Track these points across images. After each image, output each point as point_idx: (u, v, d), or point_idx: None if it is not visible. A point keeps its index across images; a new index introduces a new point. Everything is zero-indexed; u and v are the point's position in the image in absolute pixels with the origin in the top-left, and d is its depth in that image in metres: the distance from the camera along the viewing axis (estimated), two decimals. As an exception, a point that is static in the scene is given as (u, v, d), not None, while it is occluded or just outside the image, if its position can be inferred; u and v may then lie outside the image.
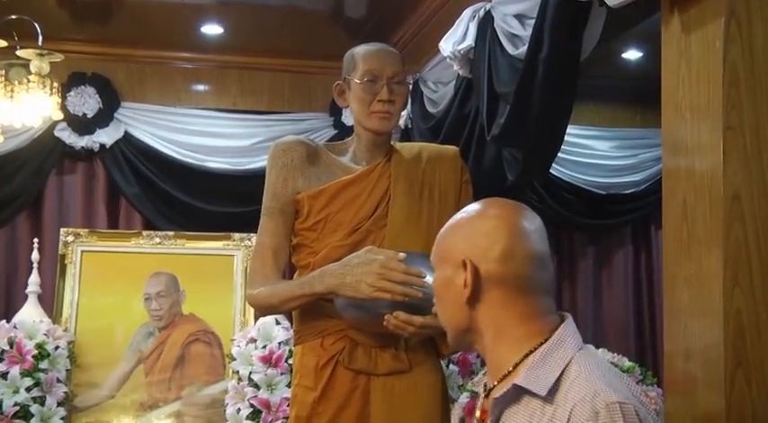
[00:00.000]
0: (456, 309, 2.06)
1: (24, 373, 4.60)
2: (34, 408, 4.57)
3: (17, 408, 4.53)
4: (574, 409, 1.85)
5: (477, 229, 2.07)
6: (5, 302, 6.03)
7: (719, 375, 2.59)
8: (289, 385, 4.20)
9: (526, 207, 2.12)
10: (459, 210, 3.19)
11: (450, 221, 2.17)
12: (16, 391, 4.56)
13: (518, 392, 1.93)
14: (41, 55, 5.20)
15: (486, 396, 2.09)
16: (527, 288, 2.01)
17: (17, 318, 4.83)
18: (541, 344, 1.96)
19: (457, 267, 2.01)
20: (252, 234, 3.33)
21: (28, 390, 4.58)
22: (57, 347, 4.70)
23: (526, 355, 1.96)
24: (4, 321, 4.82)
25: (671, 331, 2.88)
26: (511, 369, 1.97)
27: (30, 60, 5.19)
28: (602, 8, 3.30)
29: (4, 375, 4.59)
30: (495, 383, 2.02)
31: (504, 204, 2.13)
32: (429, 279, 2.88)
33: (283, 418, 4.40)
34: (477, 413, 2.12)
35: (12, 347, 4.61)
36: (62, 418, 4.66)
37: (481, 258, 1.99)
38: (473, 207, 2.16)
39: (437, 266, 2.15)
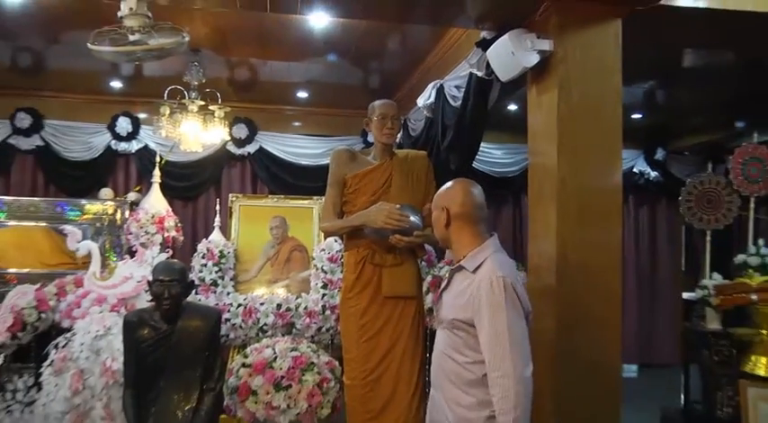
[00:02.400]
0: (442, 230, 2.22)
1: (213, 264, 4.66)
2: (219, 281, 4.65)
3: (212, 281, 4.62)
4: (482, 278, 2.04)
5: (449, 192, 2.23)
6: (205, 231, 6.19)
7: (553, 265, 2.62)
8: (341, 272, 4.22)
9: (473, 181, 2.27)
10: (428, 185, 3.25)
11: (440, 190, 2.29)
12: (210, 273, 4.63)
13: (461, 268, 2.15)
14: (220, 108, 5.33)
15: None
16: (472, 220, 2.18)
17: (210, 237, 4.87)
18: (478, 245, 2.15)
19: (441, 210, 2.20)
20: (322, 196, 3.35)
21: (216, 273, 4.65)
22: (228, 252, 4.76)
23: (470, 250, 2.14)
24: (204, 239, 4.87)
25: (532, 246, 2.94)
26: (462, 258, 2.16)
27: (214, 111, 5.28)
28: (498, 82, 3.33)
29: (205, 265, 4.65)
30: (455, 264, 2.19)
31: (463, 180, 2.28)
32: (412, 218, 2.93)
33: (338, 287, 4.43)
34: (448, 275, 2.26)
35: (208, 251, 4.69)
36: (233, 286, 4.72)
37: (451, 205, 2.19)
38: (449, 183, 2.28)
39: (434, 210, 2.26)
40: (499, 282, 2.00)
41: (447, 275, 2.27)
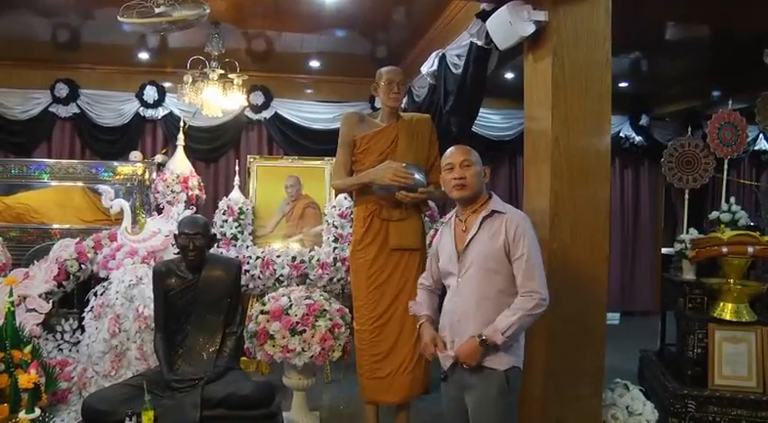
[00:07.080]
0: (483, 183, 2.25)
1: (234, 219, 4.63)
2: (239, 236, 4.62)
3: (232, 235, 4.59)
4: (514, 216, 2.16)
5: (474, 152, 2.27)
6: (225, 189, 6.13)
7: (547, 219, 2.59)
8: (351, 227, 4.19)
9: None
10: (431, 146, 3.16)
11: (471, 150, 2.27)
12: (230, 228, 4.60)
13: (493, 213, 2.17)
14: (239, 76, 5.19)
15: (464, 220, 2.22)
16: None
17: (230, 196, 4.82)
18: (489, 199, 2.22)
19: (483, 167, 2.26)
20: (333, 157, 3.28)
21: (236, 228, 4.61)
22: (247, 209, 4.72)
23: (483, 203, 2.21)
24: (225, 197, 4.82)
25: (527, 202, 2.87)
26: (478, 207, 2.21)
27: (233, 79, 5.16)
28: (496, 51, 3.23)
29: (226, 220, 4.62)
30: (470, 214, 2.21)
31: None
32: (417, 176, 2.88)
33: (348, 241, 4.41)
34: (464, 226, 2.22)
35: (228, 208, 4.66)
36: (251, 240, 4.69)
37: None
38: (465, 146, 2.28)
39: (476, 166, 2.23)
40: (528, 218, 2.18)
41: (464, 223, 2.21)
